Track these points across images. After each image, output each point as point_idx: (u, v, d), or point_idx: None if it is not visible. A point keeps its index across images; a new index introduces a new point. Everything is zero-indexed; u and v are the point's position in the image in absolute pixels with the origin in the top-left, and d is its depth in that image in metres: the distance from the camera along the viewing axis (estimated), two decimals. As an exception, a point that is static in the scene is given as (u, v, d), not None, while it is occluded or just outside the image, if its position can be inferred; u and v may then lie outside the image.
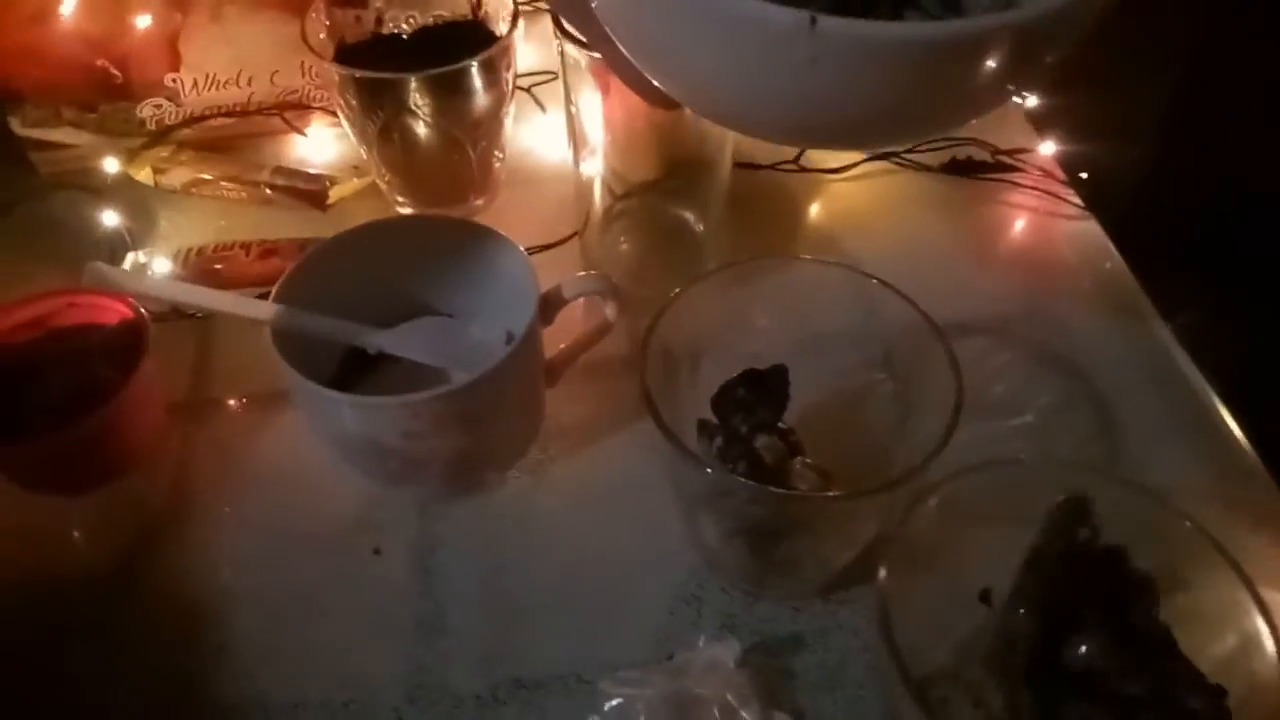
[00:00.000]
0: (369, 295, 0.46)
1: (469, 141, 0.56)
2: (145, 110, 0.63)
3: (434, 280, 0.48)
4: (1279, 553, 0.44)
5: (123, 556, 0.46)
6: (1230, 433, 0.50)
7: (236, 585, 0.44)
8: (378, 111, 0.55)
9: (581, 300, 0.46)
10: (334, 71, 0.54)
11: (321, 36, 0.56)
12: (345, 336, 0.45)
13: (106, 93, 0.62)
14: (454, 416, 0.41)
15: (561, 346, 0.48)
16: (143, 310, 0.48)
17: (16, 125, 0.62)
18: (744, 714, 0.38)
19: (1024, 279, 0.58)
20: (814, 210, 0.63)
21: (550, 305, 0.45)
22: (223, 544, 0.46)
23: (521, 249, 0.46)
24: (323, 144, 0.66)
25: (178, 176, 0.62)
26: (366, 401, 0.40)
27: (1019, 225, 0.61)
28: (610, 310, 0.46)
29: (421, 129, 0.56)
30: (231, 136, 0.65)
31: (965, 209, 0.62)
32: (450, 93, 0.54)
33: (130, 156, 0.62)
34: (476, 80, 0.54)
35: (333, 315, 0.44)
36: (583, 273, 0.46)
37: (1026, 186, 0.63)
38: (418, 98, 0.54)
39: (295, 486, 0.47)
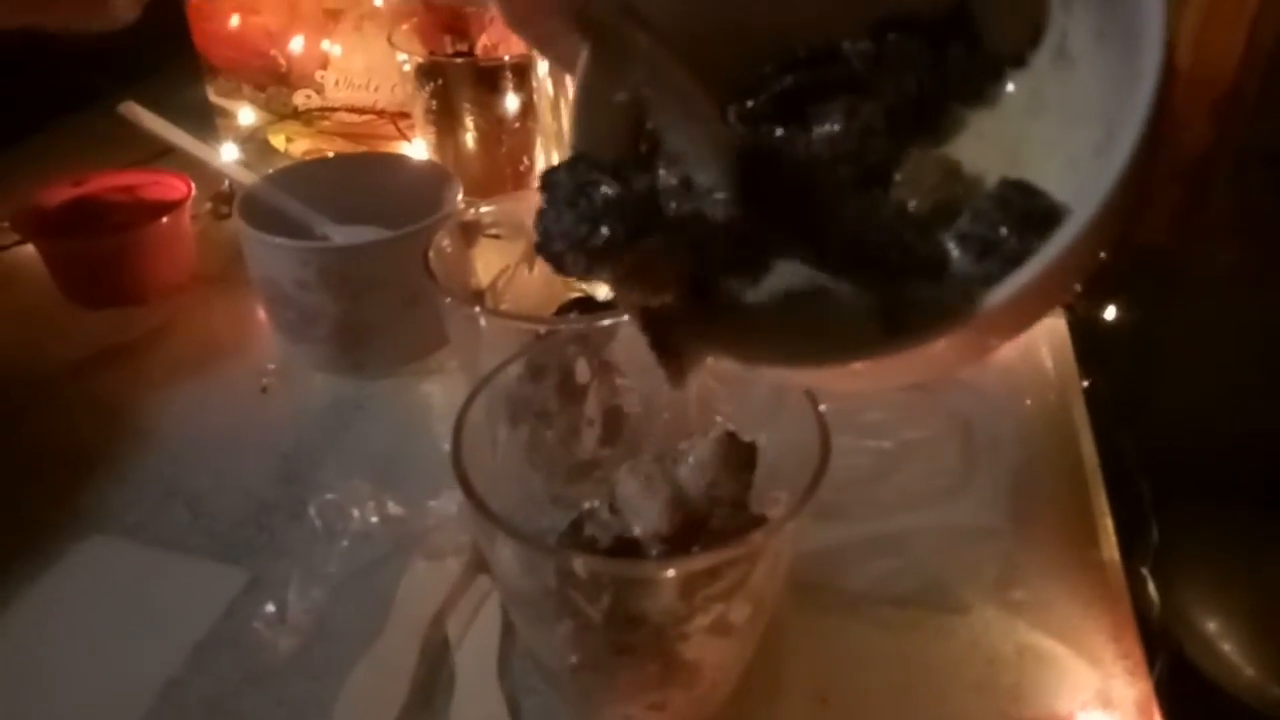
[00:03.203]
0: (338, 199, 0.57)
1: (494, 135, 0.67)
2: (299, 97, 0.80)
3: (391, 201, 0.58)
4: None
5: (100, 364, 0.57)
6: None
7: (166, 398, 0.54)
8: (431, 98, 0.67)
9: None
10: (398, 51, 0.67)
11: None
12: (305, 219, 0.55)
13: (274, 78, 0.80)
14: (336, 274, 0.50)
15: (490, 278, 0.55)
16: (192, 187, 0.62)
17: (211, 93, 0.82)
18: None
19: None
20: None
21: (470, 229, 0.53)
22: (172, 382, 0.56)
23: (454, 175, 0.54)
24: (418, 150, 0.80)
25: (299, 146, 0.79)
26: (266, 239, 0.50)
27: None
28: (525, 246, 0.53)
29: (466, 120, 0.68)
30: (355, 133, 0.81)
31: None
32: (487, 89, 0.66)
33: (276, 125, 0.80)
34: (508, 83, 0.65)
35: (303, 203, 0.55)
36: (494, 205, 0.54)
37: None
38: (461, 88, 0.66)
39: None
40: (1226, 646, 0.81)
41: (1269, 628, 0.81)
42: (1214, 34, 0.93)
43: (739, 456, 0.35)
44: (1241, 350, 0.92)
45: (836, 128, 0.26)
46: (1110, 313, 0.66)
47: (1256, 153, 0.92)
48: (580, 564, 0.27)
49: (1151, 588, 0.51)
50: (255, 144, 0.79)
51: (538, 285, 0.55)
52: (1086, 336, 0.60)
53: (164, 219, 0.60)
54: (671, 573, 0.27)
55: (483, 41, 0.74)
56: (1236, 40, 0.92)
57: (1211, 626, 0.81)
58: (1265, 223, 0.92)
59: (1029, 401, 0.54)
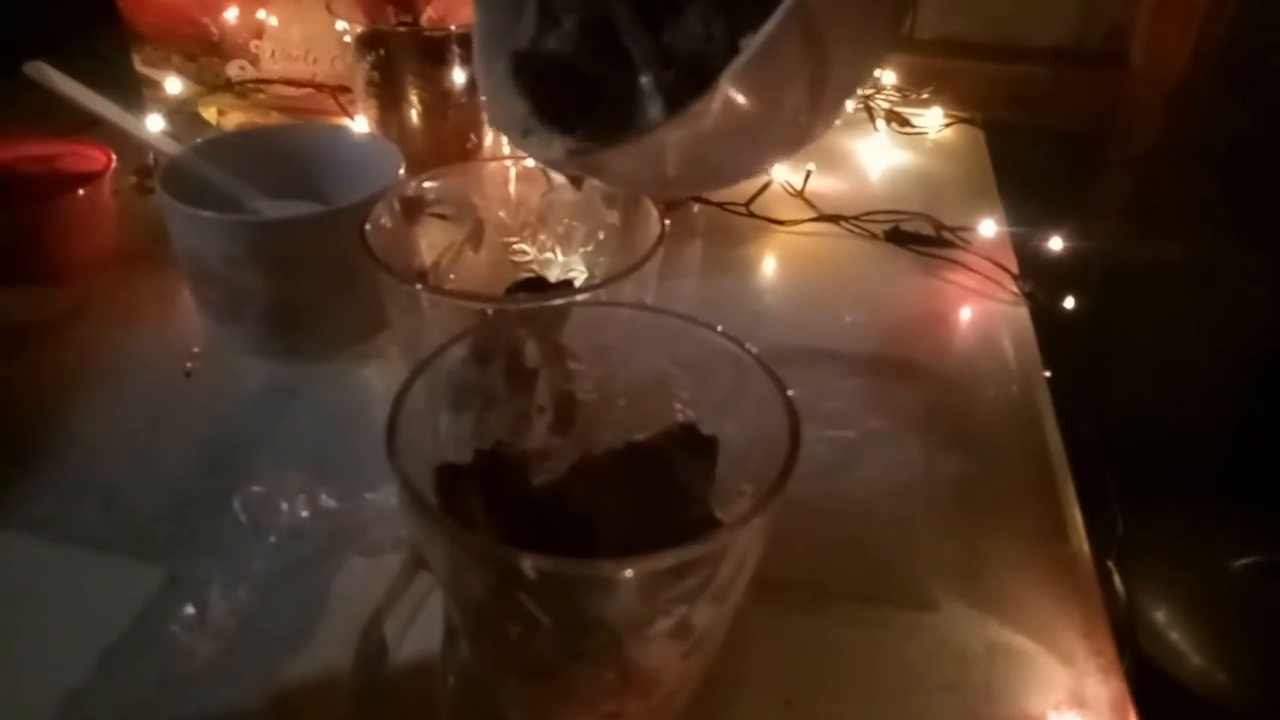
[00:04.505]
0: (271, 172, 0.53)
1: (440, 110, 0.64)
2: (232, 68, 0.76)
3: (329, 175, 0.54)
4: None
5: (9, 346, 0.53)
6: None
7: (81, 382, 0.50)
8: (372, 70, 0.64)
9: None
10: (338, 20, 0.63)
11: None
12: (235, 192, 0.52)
13: (205, 48, 0.76)
14: (268, 251, 0.46)
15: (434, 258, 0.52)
16: (113, 158, 0.58)
17: (137, 62, 0.77)
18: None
19: (926, 338, 0.56)
20: (755, 254, 0.64)
21: (412, 205, 0.50)
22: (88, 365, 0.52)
23: (395, 149, 0.51)
24: (360, 127, 0.76)
25: (233, 120, 0.74)
26: (191, 213, 0.46)
27: (944, 296, 0.60)
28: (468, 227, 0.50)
29: (410, 94, 0.64)
30: (292, 107, 0.77)
31: (900, 276, 0.62)
32: (432, 61, 0.63)
33: (207, 97, 0.75)
34: (455, 55, 0.62)
35: (233, 176, 0.52)
36: (438, 181, 0.50)
37: (962, 264, 0.61)
38: (405, 60, 0.62)
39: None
40: (1174, 635, 0.81)
41: (1216, 615, 0.82)
42: (1166, 27, 0.93)
43: (699, 451, 0.33)
44: (1190, 343, 0.93)
45: None
46: (1069, 303, 0.65)
47: (1206, 148, 0.92)
48: (529, 564, 0.24)
49: (1117, 580, 0.50)
50: (184, 116, 0.74)
51: (484, 266, 0.52)
52: (1045, 327, 0.59)
53: (81, 191, 0.56)
54: (630, 573, 0.25)
55: (428, 14, 0.71)
56: (1188, 34, 0.93)
57: (1160, 615, 0.81)
58: (1213, 219, 0.93)
59: (991, 391, 0.53)
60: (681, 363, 0.36)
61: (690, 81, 0.29)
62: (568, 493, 0.32)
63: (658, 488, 0.32)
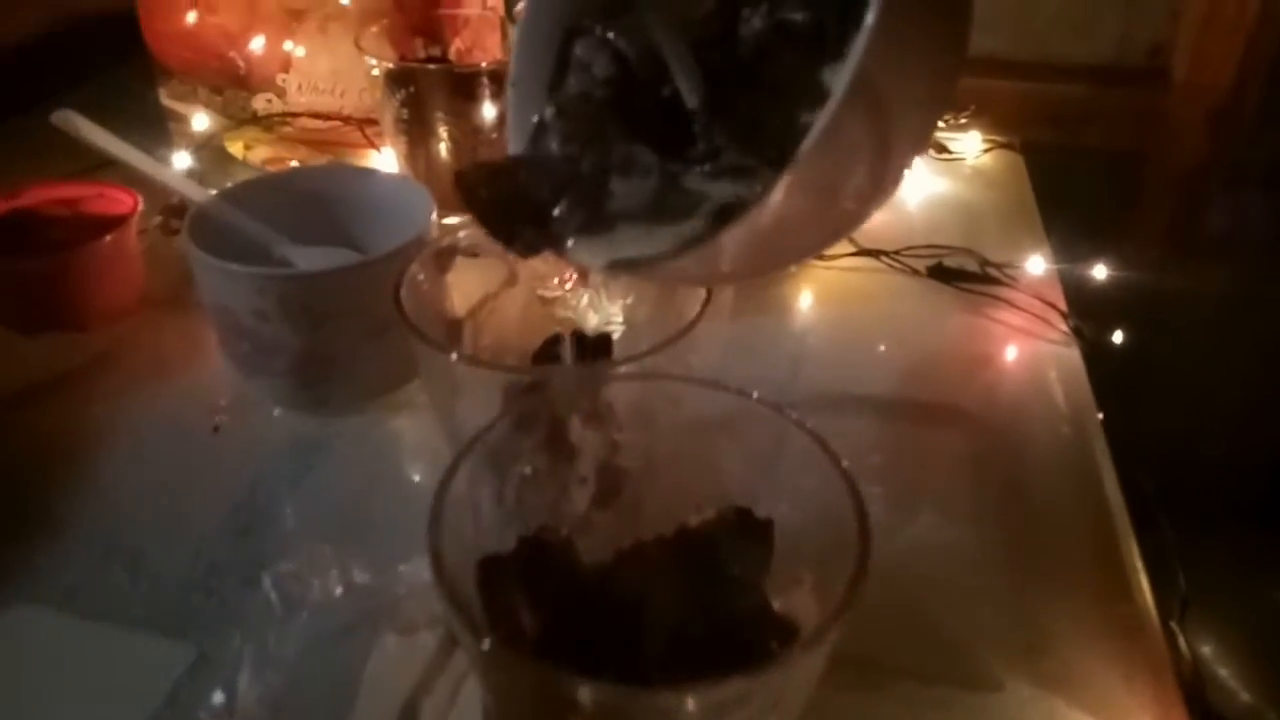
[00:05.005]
0: (299, 217, 0.52)
1: (469, 146, 0.63)
2: (258, 101, 0.75)
3: (358, 219, 0.53)
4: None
5: (35, 396, 0.52)
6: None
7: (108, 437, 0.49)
8: (402, 106, 0.62)
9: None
10: (366, 56, 0.62)
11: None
12: (262, 239, 0.50)
13: (232, 81, 0.75)
14: (297, 304, 0.45)
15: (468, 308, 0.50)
16: (139, 200, 0.57)
17: (164, 96, 0.77)
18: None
19: (972, 381, 0.54)
20: (792, 291, 0.62)
21: (445, 255, 0.48)
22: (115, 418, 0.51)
23: (426, 192, 0.50)
24: (387, 160, 0.75)
25: (259, 154, 0.73)
26: (219, 265, 0.45)
27: (990, 335, 0.58)
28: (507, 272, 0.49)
29: (439, 130, 0.63)
30: (319, 140, 0.76)
31: (944, 314, 0.60)
32: (463, 97, 0.61)
33: (234, 131, 0.74)
34: (485, 90, 0.61)
35: (260, 222, 0.51)
36: (472, 228, 0.49)
37: (1008, 301, 0.59)
38: (434, 95, 0.61)
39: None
40: (1223, 671, 0.79)
41: (1265, 651, 0.79)
42: (1212, 42, 0.91)
43: (754, 537, 0.31)
44: (1231, 372, 0.89)
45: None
46: (1118, 337, 0.62)
47: (1253, 169, 0.89)
48: (585, 693, 0.22)
49: (1183, 643, 0.48)
50: (211, 151, 0.73)
51: (519, 316, 0.50)
52: (1095, 366, 0.57)
53: (107, 236, 0.55)
54: (691, 705, 0.23)
55: (456, 45, 0.69)
56: (1235, 49, 0.90)
57: (1206, 650, 0.79)
58: (1261, 240, 0.90)
59: (1043, 439, 0.51)
60: (732, 435, 0.35)
61: (743, 179, 0.27)
62: (615, 583, 0.31)
63: (710, 578, 0.30)
